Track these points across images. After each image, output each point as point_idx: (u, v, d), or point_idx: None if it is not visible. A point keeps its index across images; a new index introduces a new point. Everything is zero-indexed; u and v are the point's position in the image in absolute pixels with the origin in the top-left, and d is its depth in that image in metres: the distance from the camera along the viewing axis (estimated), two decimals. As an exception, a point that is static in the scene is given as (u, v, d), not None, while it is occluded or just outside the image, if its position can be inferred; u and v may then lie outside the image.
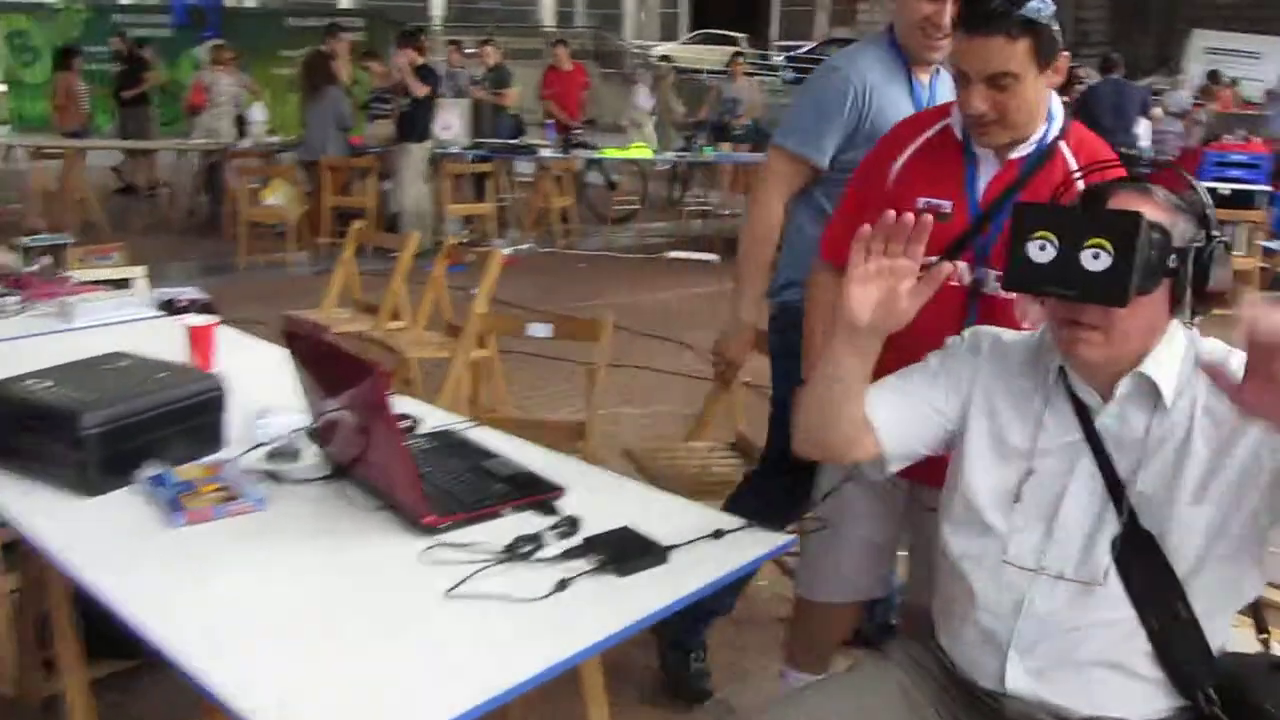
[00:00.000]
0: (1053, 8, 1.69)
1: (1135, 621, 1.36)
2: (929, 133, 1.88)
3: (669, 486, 2.72)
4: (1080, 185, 1.51)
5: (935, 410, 1.52)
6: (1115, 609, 1.37)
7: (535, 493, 1.73)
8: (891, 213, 1.33)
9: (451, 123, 8.74)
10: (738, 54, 11.82)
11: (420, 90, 7.84)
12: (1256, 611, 1.50)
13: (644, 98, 11.42)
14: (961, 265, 1.81)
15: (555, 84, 10.41)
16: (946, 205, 1.81)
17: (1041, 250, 1.32)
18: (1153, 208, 1.32)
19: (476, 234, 8.69)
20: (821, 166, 2.27)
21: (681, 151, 9.80)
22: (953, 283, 1.80)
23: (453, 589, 1.43)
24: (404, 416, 2.02)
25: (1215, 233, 1.34)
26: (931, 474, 1.62)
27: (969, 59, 1.69)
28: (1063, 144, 1.80)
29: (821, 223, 2.20)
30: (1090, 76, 9.62)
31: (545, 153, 8.97)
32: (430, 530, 1.58)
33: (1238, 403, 1.08)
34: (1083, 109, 8.72)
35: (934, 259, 1.81)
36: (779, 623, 2.75)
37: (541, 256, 8.39)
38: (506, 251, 8.26)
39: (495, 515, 1.66)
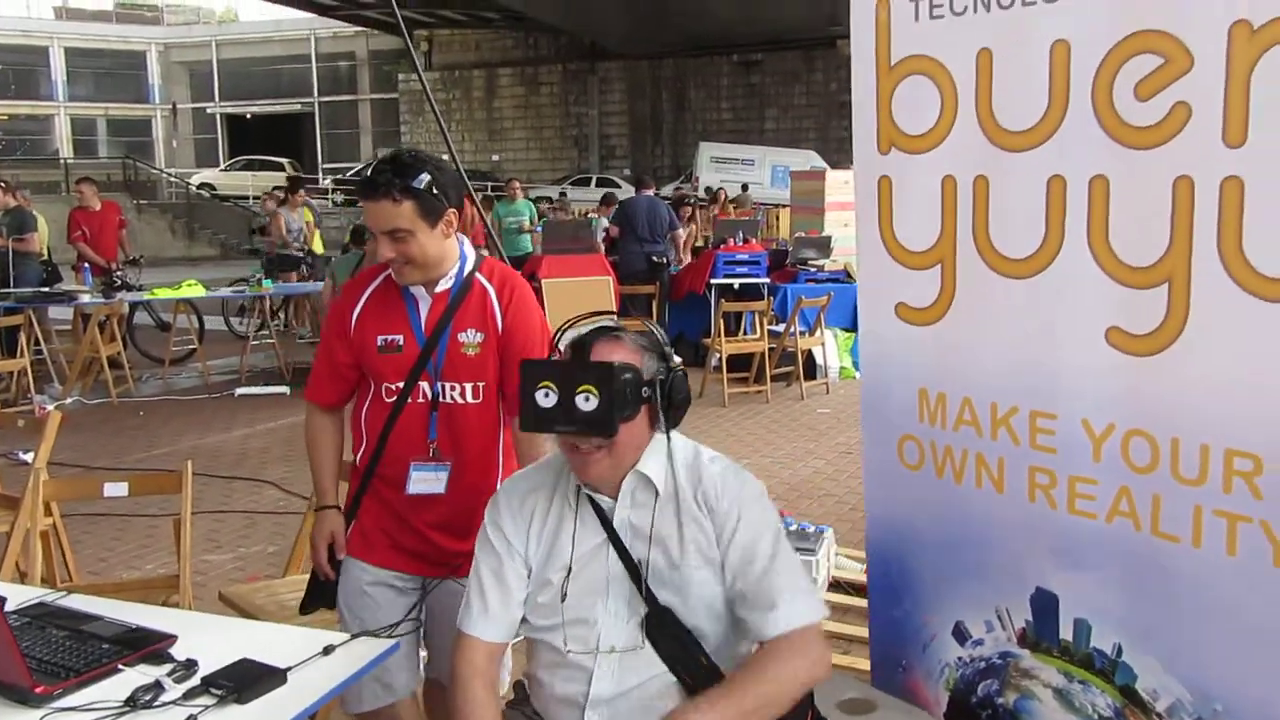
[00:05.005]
0: (450, 178, 2.15)
1: (672, 677, 1.77)
2: (375, 284, 2.28)
3: (274, 620, 2.81)
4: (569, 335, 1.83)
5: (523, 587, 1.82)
6: (656, 668, 1.76)
7: (146, 645, 1.80)
8: None
9: (-38, 274, 7.95)
10: (293, 180, 11.45)
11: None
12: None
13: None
14: (423, 384, 2.22)
15: (85, 224, 9.35)
16: (400, 339, 2.23)
17: (545, 397, 1.68)
18: (624, 352, 1.72)
19: (8, 394, 7.91)
20: None
21: (238, 287, 9.58)
22: (418, 400, 2.23)
23: (77, 749, 1.50)
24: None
25: (673, 363, 1.76)
26: None
27: (370, 218, 2.14)
28: (479, 275, 2.28)
29: None
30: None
31: (85, 299, 8.38)
32: (44, 699, 1.62)
33: None
34: (623, 219, 9.76)
35: (400, 384, 2.24)
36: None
37: (91, 409, 7.82)
38: (49, 408, 7.65)
39: (111, 673, 1.72)
